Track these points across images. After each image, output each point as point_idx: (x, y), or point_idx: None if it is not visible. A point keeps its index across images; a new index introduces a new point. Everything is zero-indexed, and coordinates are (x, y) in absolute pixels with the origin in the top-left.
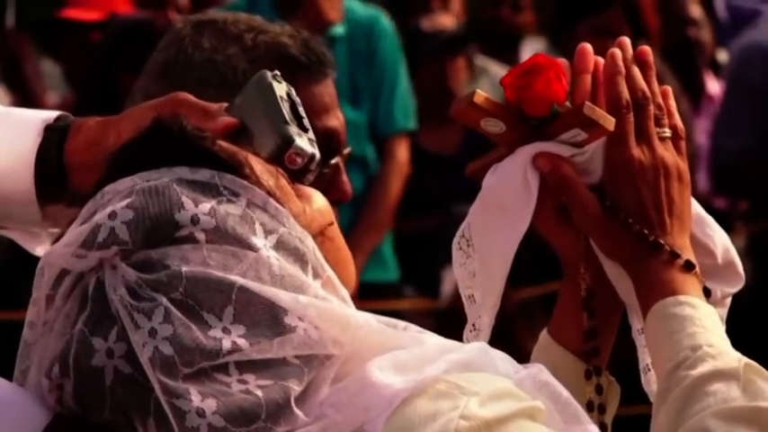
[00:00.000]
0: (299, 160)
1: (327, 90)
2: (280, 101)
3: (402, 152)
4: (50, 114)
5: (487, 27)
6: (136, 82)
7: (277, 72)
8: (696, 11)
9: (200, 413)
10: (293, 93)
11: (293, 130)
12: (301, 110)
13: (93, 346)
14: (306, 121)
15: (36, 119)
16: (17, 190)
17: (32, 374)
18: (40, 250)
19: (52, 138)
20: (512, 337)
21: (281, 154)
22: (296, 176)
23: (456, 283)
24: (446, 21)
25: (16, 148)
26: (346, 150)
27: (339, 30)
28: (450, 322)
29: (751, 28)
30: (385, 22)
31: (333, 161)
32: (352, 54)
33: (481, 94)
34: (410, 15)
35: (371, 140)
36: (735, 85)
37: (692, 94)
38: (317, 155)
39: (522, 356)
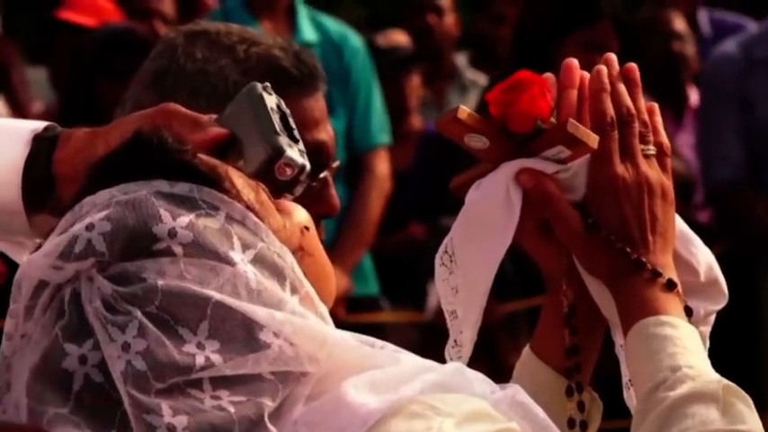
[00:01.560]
0: (289, 171)
1: (318, 104)
2: (270, 112)
3: (382, 166)
4: (39, 125)
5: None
6: (117, 91)
7: (267, 84)
8: (680, 25)
9: (171, 429)
10: (283, 104)
11: (284, 140)
12: (291, 121)
13: (65, 350)
14: (296, 132)
15: (25, 129)
16: (4, 200)
17: (13, 389)
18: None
19: (41, 148)
20: (496, 351)
21: (272, 164)
22: (286, 188)
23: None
24: (400, 38)
25: (4, 157)
26: (335, 164)
27: (310, 36)
28: (434, 335)
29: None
30: (355, 39)
31: (321, 175)
32: (325, 67)
33: (465, 109)
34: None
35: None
36: (709, 96)
37: (676, 107)
38: (308, 166)
39: (505, 371)
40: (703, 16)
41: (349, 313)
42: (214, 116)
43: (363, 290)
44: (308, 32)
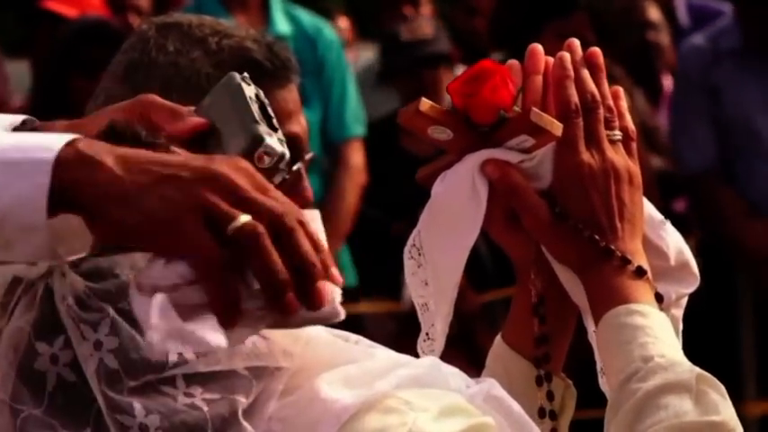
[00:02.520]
0: (267, 159)
1: (291, 96)
2: (249, 101)
3: (357, 158)
4: (16, 118)
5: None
6: (90, 84)
7: (246, 74)
8: (655, 14)
9: (144, 429)
10: (262, 94)
11: (263, 129)
12: (270, 110)
13: (37, 350)
14: (275, 121)
15: (1, 123)
16: None
17: None
18: None
19: None
20: (474, 341)
21: (251, 153)
22: (265, 176)
23: None
24: (426, 28)
25: None
26: (308, 156)
27: (284, 28)
28: (412, 325)
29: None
30: (329, 31)
31: (295, 167)
32: (299, 59)
33: (426, 101)
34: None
35: (321, 144)
36: (680, 86)
37: (651, 95)
38: (287, 154)
39: (484, 361)
40: (681, 4)
41: None
42: (192, 108)
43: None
44: (282, 25)
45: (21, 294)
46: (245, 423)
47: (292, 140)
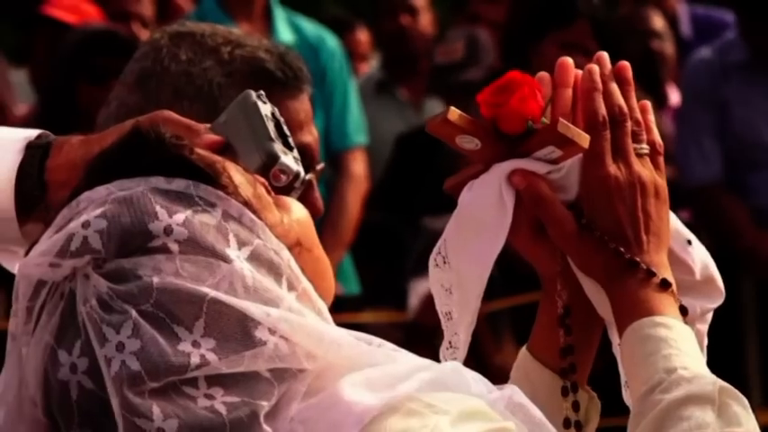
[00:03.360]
0: (283, 177)
1: (303, 106)
2: (265, 119)
3: (359, 166)
4: (32, 132)
5: None
6: (97, 93)
7: (262, 92)
8: (659, 23)
9: None
10: (277, 112)
11: (278, 147)
12: (286, 129)
13: (60, 360)
14: (291, 140)
15: (17, 137)
16: None
17: (29, 386)
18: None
19: (34, 155)
20: (479, 350)
21: (266, 171)
22: (280, 193)
23: (423, 296)
24: (457, 49)
25: None
26: (319, 166)
27: (287, 37)
28: (416, 335)
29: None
30: (332, 41)
31: (306, 177)
32: None
33: (455, 110)
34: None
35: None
36: (687, 98)
37: (655, 106)
38: (302, 173)
39: (489, 369)
40: (684, 14)
41: (330, 313)
42: (208, 125)
43: (344, 289)
44: (285, 33)
45: (45, 298)
46: (265, 426)
47: (303, 151)
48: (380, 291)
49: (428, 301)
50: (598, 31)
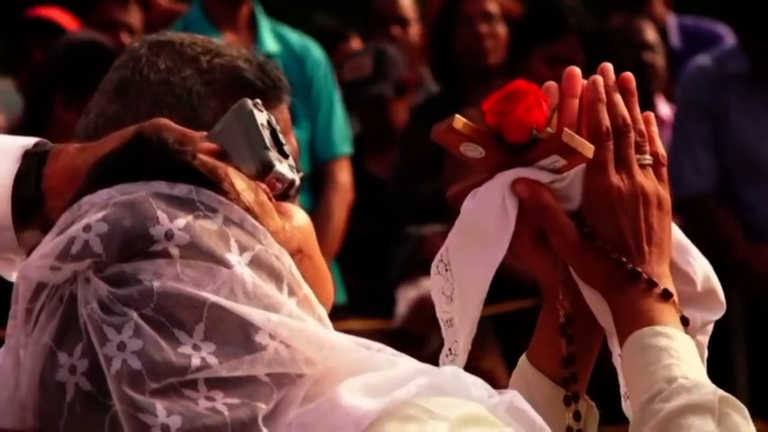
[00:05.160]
0: (279, 185)
1: (282, 115)
2: (260, 128)
3: (344, 176)
4: (29, 140)
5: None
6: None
7: (258, 101)
8: (652, 35)
9: (165, 429)
10: (273, 120)
11: (273, 155)
12: (281, 137)
13: (59, 361)
14: (286, 148)
15: (15, 145)
16: None
17: (23, 389)
18: (15, 277)
19: (31, 163)
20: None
21: (261, 179)
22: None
23: (409, 303)
24: (364, 65)
25: None
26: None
27: (272, 47)
28: (401, 342)
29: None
30: (317, 51)
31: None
32: (287, 78)
33: (460, 119)
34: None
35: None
36: (683, 108)
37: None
38: (297, 180)
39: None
40: (673, 26)
41: None
42: (204, 133)
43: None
44: (270, 43)
45: (45, 300)
46: (264, 429)
47: None
48: (366, 300)
49: (416, 307)
50: (586, 45)
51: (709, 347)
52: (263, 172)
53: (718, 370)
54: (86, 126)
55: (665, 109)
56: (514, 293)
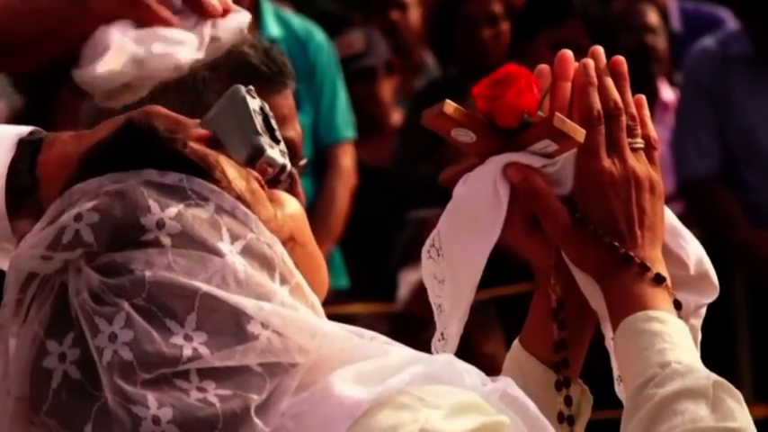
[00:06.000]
0: (269, 170)
1: (287, 101)
2: (253, 114)
3: (347, 161)
4: (24, 129)
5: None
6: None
7: (251, 87)
8: (654, 18)
9: (156, 421)
10: (266, 107)
11: (265, 140)
12: (274, 123)
13: (48, 349)
14: (278, 134)
15: (9, 133)
16: None
17: (7, 377)
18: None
19: (25, 152)
20: (468, 339)
21: (253, 164)
22: (267, 187)
23: (411, 286)
24: (355, 42)
25: None
26: (302, 162)
27: (275, 31)
28: (404, 326)
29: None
30: (320, 35)
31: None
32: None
33: (451, 104)
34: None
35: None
36: (687, 90)
37: (647, 100)
38: (288, 166)
39: (477, 359)
40: (674, 9)
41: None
42: (197, 120)
43: (333, 283)
44: (273, 28)
45: (36, 291)
46: (256, 420)
47: (287, 146)
48: (368, 284)
49: (418, 290)
50: (593, 28)
51: (711, 331)
52: (255, 157)
53: (721, 354)
54: (88, 112)
55: (667, 92)
56: (518, 277)
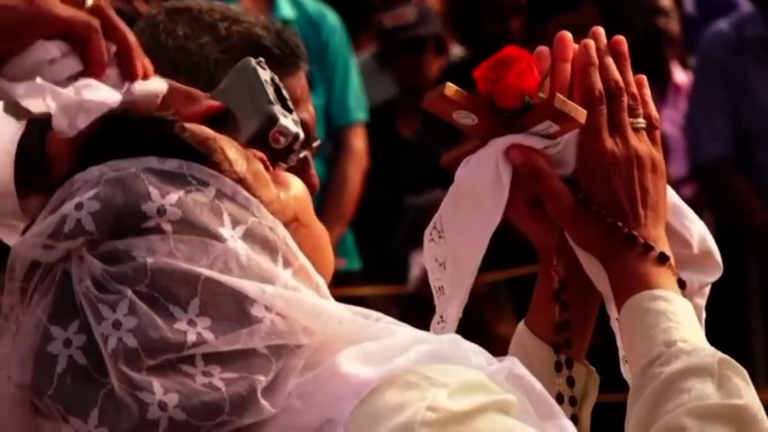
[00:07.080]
0: (282, 139)
1: (299, 83)
2: (264, 84)
3: (359, 142)
4: None
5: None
6: None
7: (261, 59)
8: (666, 1)
9: (162, 406)
10: (276, 78)
11: (277, 109)
12: (285, 92)
13: (52, 334)
14: (290, 103)
15: None
16: None
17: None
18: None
19: (34, 129)
20: (480, 320)
21: (266, 133)
22: (280, 156)
23: (423, 268)
24: (408, 14)
25: None
26: (315, 143)
27: (288, 13)
28: (415, 308)
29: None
30: (333, 17)
31: (302, 154)
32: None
33: (452, 86)
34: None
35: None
36: (701, 73)
37: (659, 83)
38: (301, 134)
39: (491, 340)
40: None
41: (330, 288)
42: (208, 93)
43: (346, 265)
44: (286, 9)
45: (39, 279)
46: (263, 401)
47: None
48: (380, 266)
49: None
50: (606, 12)
51: (725, 314)
52: (267, 126)
53: (735, 336)
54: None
55: (680, 75)
56: (530, 258)
